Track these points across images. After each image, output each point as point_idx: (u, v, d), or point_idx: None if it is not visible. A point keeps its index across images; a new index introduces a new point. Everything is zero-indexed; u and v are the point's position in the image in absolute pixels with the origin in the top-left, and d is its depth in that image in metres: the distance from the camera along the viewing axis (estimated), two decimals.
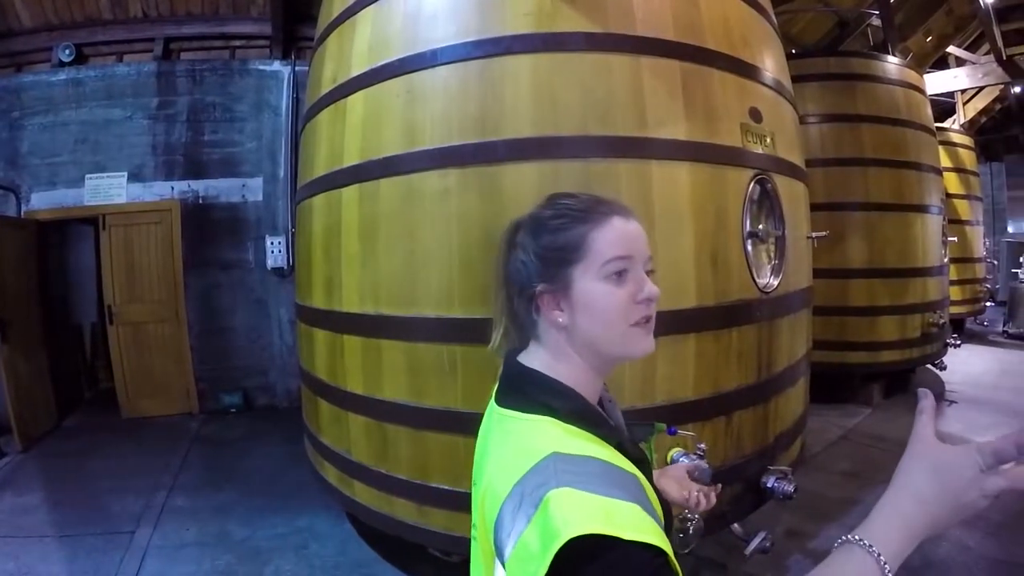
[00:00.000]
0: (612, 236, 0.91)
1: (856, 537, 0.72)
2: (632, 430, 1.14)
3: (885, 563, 0.70)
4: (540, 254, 0.92)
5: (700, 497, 1.25)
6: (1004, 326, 9.09)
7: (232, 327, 5.99)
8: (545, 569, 0.70)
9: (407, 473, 2.45)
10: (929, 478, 0.74)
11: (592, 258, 0.90)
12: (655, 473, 1.18)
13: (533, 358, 0.96)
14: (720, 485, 1.33)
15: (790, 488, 2.61)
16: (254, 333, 6.03)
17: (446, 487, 2.35)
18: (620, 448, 0.88)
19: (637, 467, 0.89)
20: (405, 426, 2.42)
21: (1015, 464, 0.70)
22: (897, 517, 0.73)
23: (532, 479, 0.77)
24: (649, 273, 0.95)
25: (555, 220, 0.93)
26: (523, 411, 0.89)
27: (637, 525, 0.72)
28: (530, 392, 0.91)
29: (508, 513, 0.78)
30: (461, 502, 2.33)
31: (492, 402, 0.98)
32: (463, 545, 2.47)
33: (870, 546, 0.71)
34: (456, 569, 2.85)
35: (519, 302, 0.95)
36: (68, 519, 3.64)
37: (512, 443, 0.87)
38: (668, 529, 0.92)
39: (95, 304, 6.53)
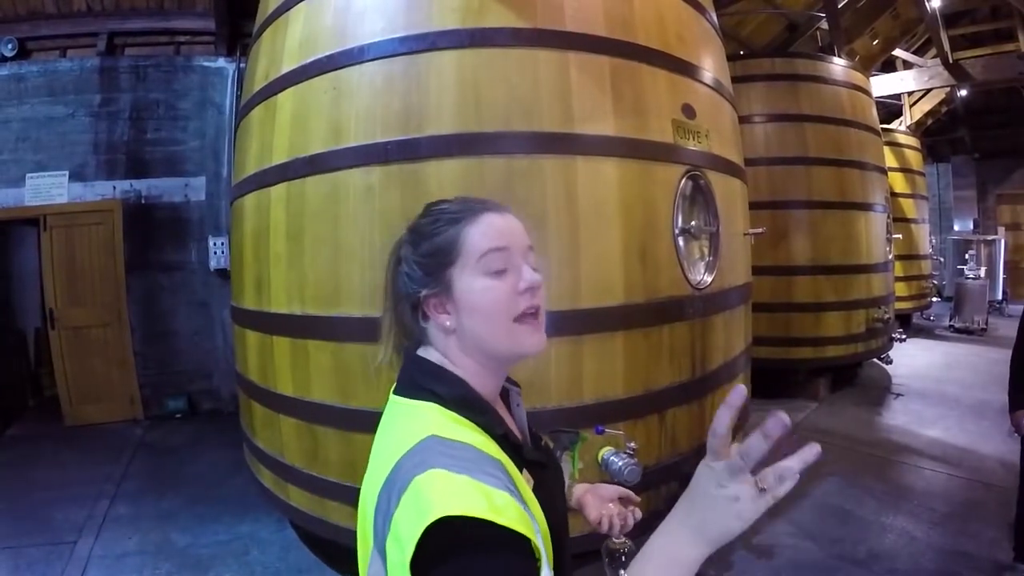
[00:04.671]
0: (485, 230, 0.91)
1: None
2: (558, 437, 1.13)
3: None
4: (420, 261, 0.93)
5: (615, 520, 1.19)
6: (950, 320, 9.38)
7: (176, 330, 5.85)
8: (413, 547, 0.70)
9: (337, 475, 2.41)
10: (686, 503, 0.77)
11: (468, 254, 0.90)
12: (582, 487, 1.15)
13: (428, 353, 0.96)
14: (637, 510, 1.22)
15: None
16: (198, 336, 5.91)
17: None
18: (504, 440, 0.88)
19: (535, 469, 0.91)
20: (334, 427, 2.38)
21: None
22: (668, 551, 0.77)
23: (408, 461, 0.78)
24: (534, 270, 0.94)
25: (431, 226, 0.94)
26: (410, 397, 0.91)
27: (510, 513, 0.73)
28: (418, 379, 0.92)
29: (384, 496, 0.79)
30: None
31: (391, 394, 0.98)
32: None
33: None
34: None
35: (408, 312, 0.96)
36: (10, 530, 3.54)
37: (394, 428, 0.88)
38: (561, 538, 0.91)
39: (39, 309, 6.32)
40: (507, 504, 0.74)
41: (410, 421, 0.86)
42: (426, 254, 0.93)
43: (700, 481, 0.76)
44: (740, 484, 0.72)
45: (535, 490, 0.88)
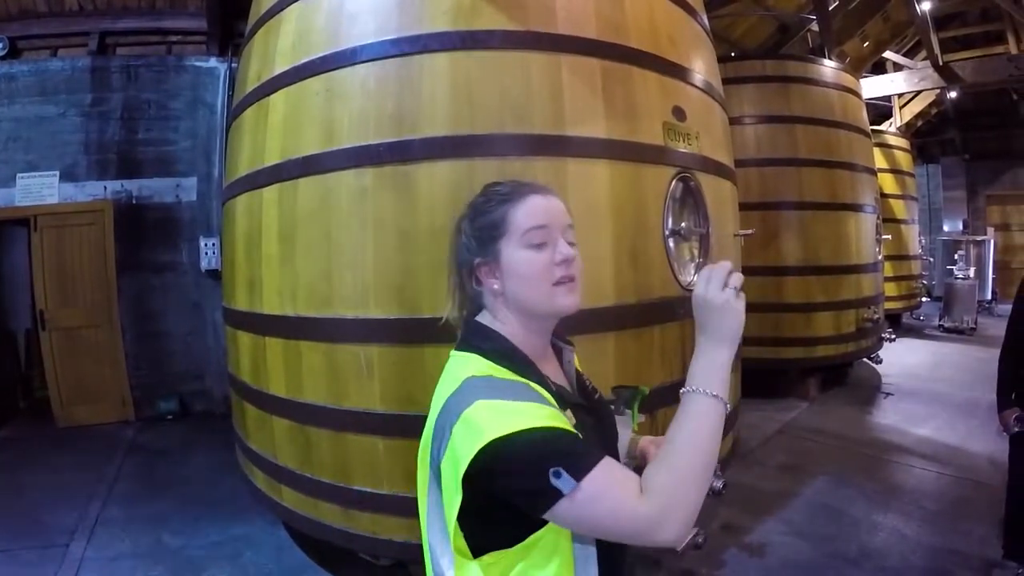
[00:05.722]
0: (529, 210, 1.06)
1: (693, 388, 0.96)
2: (619, 393, 1.35)
3: (722, 398, 0.95)
4: (475, 234, 1.10)
5: None
6: (940, 320, 9.44)
7: (167, 331, 5.83)
8: (467, 463, 0.90)
9: (330, 476, 2.41)
10: (698, 331, 1.01)
11: (513, 230, 1.06)
12: (646, 438, 1.30)
13: (482, 317, 1.13)
14: None
15: (719, 484, 2.63)
16: (190, 337, 5.88)
17: (368, 490, 2.32)
18: (540, 384, 1.04)
19: (578, 413, 1.06)
20: (326, 428, 2.39)
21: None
22: (704, 358, 0.99)
23: (454, 398, 0.97)
24: (571, 245, 1.09)
25: (484, 204, 1.10)
26: (460, 351, 1.09)
27: (542, 414, 0.92)
28: (469, 338, 1.10)
29: (439, 427, 0.98)
30: (384, 504, 2.30)
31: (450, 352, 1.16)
32: (389, 548, 2.44)
33: (711, 393, 0.95)
34: (386, 573, 2.82)
35: (466, 278, 1.13)
36: (1, 533, 3.51)
37: (446, 375, 1.06)
38: None
39: (29, 310, 6.27)
40: (540, 410, 0.93)
41: (457, 369, 1.04)
42: (480, 228, 1.09)
43: (697, 311, 1.00)
44: (720, 291, 0.98)
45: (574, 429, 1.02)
